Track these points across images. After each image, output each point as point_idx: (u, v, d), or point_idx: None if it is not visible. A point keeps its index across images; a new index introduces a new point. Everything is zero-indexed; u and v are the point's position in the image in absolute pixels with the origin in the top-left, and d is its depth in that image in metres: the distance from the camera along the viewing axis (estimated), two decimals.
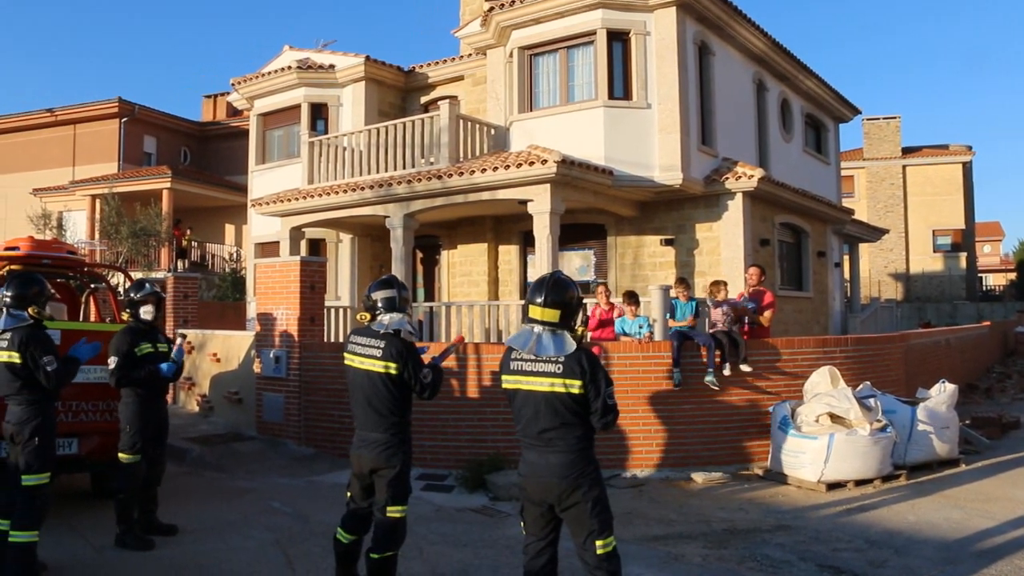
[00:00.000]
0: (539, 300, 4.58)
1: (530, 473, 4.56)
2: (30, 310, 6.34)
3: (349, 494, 5.83)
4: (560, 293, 4.58)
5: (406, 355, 5.59)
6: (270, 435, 11.58)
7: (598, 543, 4.45)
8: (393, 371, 5.55)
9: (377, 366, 5.58)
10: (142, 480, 7.42)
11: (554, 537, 4.68)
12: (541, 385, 4.49)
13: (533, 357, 4.53)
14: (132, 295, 7.66)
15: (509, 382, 4.67)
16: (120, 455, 7.33)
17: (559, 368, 4.46)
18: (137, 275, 18.66)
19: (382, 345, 5.59)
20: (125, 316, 7.73)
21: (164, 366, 7.59)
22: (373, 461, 5.55)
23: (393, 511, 5.53)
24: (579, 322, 4.67)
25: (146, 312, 7.64)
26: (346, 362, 5.79)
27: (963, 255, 42.84)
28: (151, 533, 7.34)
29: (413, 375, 5.60)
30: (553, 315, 4.55)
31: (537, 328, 4.58)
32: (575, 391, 4.44)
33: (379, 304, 5.72)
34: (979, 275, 53.88)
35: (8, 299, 6.36)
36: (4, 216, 33.68)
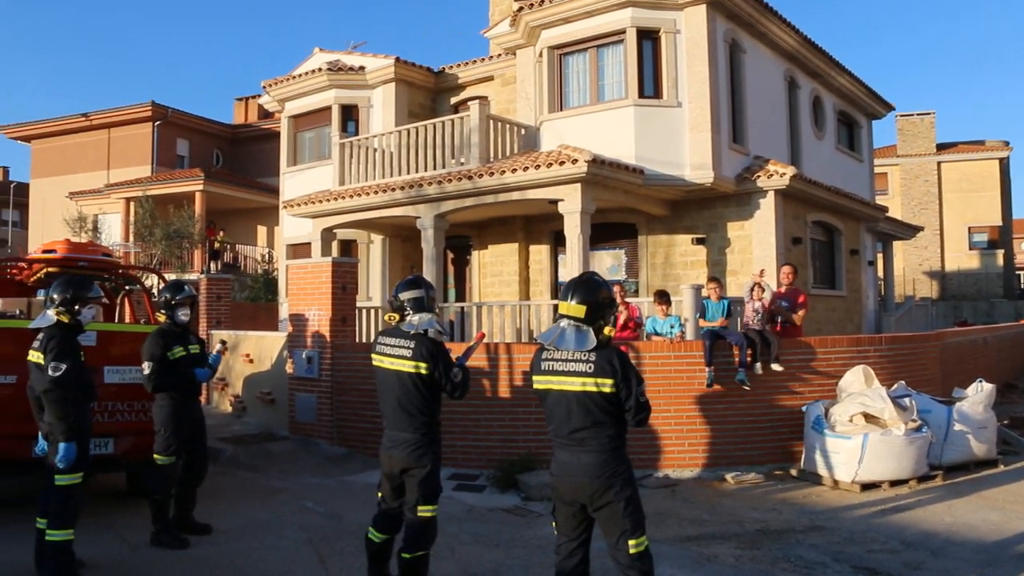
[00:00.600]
0: (568, 297, 4.65)
1: (562, 473, 4.57)
2: (54, 311, 6.37)
3: (380, 494, 5.85)
4: (589, 291, 4.64)
5: (436, 354, 5.61)
6: (303, 435, 11.65)
7: (631, 542, 4.45)
8: (424, 371, 5.55)
9: (407, 366, 5.58)
10: (177, 481, 7.48)
11: (586, 537, 4.68)
12: (573, 385, 4.51)
13: (564, 357, 4.56)
14: (169, 296, 7.64)
15: (540, 382, 4.68)
16: (155, 456, 7.38)
17: (590, 368, 4.48)
18: (171, 277, 18.83)
19: (412, 345, 5.60)
20: (160, 317, 7.73)
21: (200, 372, 7.65)
22: (404, 461, 5.56)
23: (424, 511, 5.54)
24: (608, 323, 4.68)
25: (184, 314, 7.67)
26: (374, 363, 5.81)
27: (1000, 252, 42.21)
28: (186, 532, 7.40)
29: (444, 374, 5.60)
30: (579, 311, 4.59)
31: (563, 323, 4.64)
32: (607, 390, 4.46)
33: (407, 304, 5.74)
34: (1017, 272, 53.03)
35: (51, 299, 6.43)
36: (42, 219, 34.18)
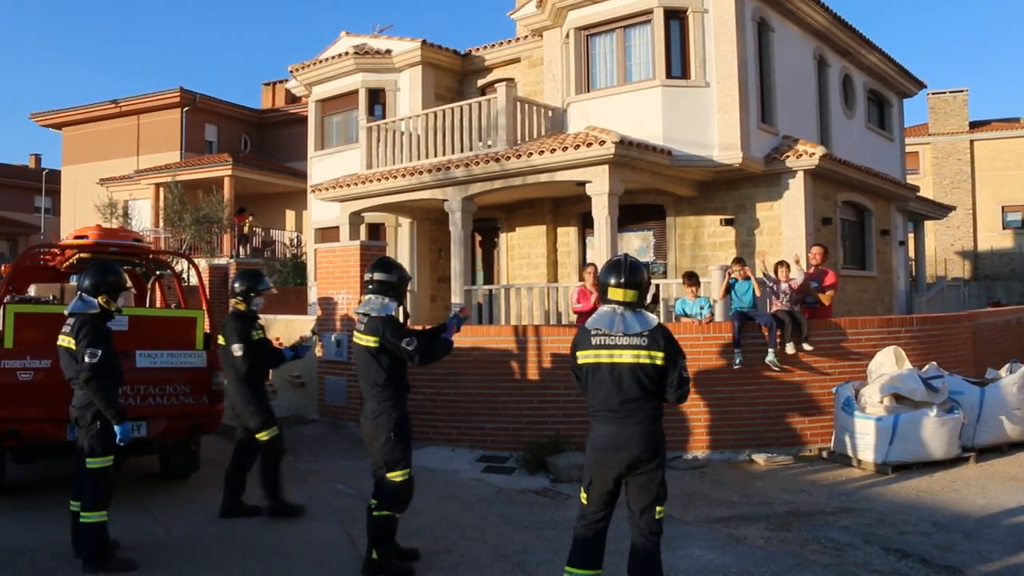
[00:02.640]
0: (619, 282, 4.82)
1: (610, 446, 4.74)
2: (100, 299, 6.47)
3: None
4: (636, 274, 4.85)
5: (381, 327, 6.05)
6: (332, 418, 11.74)
7: (658, 508, 4.77)
8: (373, 344, 6.05)
9: (364, 340, 6.12)
10: (282, 451, 7.78)
11: (611, 509, 4.89)
12: (625, 357, 4.72)
13: (617, 333, 4.74)
14: (249, 285, 7.81)
15: (588, 356, 4.84)
16: (258, 436, 7.60)
17: (644, 340, 4.71)
18: (201, 262, 18.98)
19: (365, 322, 6.15)
20: (238, 304, 7.81)
21: (288, 352, 7.95)
22: (365, 428, 6.17)
23: (392, 476, 5.99)
24: (649, 300, 4.96)
25: (257, 305, 7.87)
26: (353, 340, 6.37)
27: None
28: (234, 515, 7.56)
29: (395, 345, 6.01)
30: (633, 295, 4.81)
31: (619, 308, 4.81)
32: (659, 362, 4.70)
33: (373, 284, 6.26)
34: None
35: (84, 285, 6.51)
36: (73, 206, 34.51)
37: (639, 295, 4.83)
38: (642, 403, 4.71)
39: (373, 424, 6.06)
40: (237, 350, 7.49)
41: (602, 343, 4.77)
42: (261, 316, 8.05)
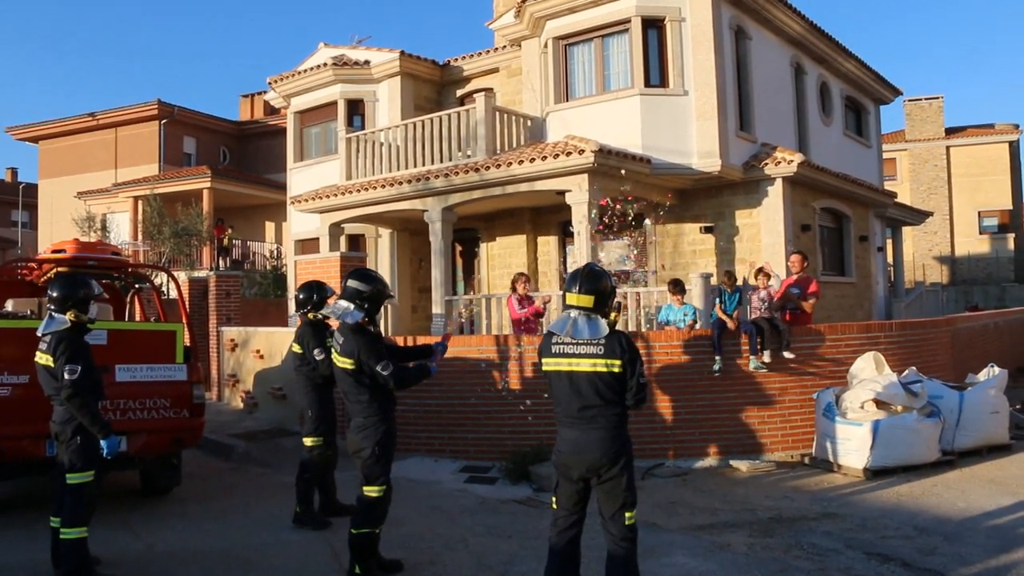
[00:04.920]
0: (575, 288, 4.90)
1: (572, 450, 4.82)
2: (69, 315, 6.34)
3: None
4: (594, 281, 4.91)
5: (356, 349, 5.96)
6: None
7: (627, 514, 4.79)
8: (350, 366, 6.01)
9: (341, 363, 6.08)
10: (322, 464, 7.97)
11: (582, 514, 4.95)
12: (583, 365, 4.79)
13: (573, 340, 4.81)
14: (317, 295, 8.22)
15: (550, 364, 4.93)
16: (304, 440, 7.96)
17: (601, 349, 4.77)
18: (181, 275, 18.89)
19: (341, 341, 6.05)
20: (311, 316, 8.23)
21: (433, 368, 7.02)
22: (351, 442, 6.08)
23: (369, 491, 5.95)
24: (612, 308, 4.97)
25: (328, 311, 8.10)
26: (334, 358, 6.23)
27: (1011, 236, 41.99)
28: (335, 514, 7.84)
29: (369, 368, 5.95)
30: (588, 300, 4.87)
31: (573, 313, 4.90)
32: (616, 370, 4.75)
33: (347, 290, 6.14)
34: None
35: (52, 301, 6.43)
36: (51, 220, 34.28)
37: (596, 302, 4.86)
38: (602, 409, 4.76)
39: (359, 437, 6.01)
40: (319, 354, 7.84)
41: (561, 351, 4.86)
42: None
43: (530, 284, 13.02)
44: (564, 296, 5.02)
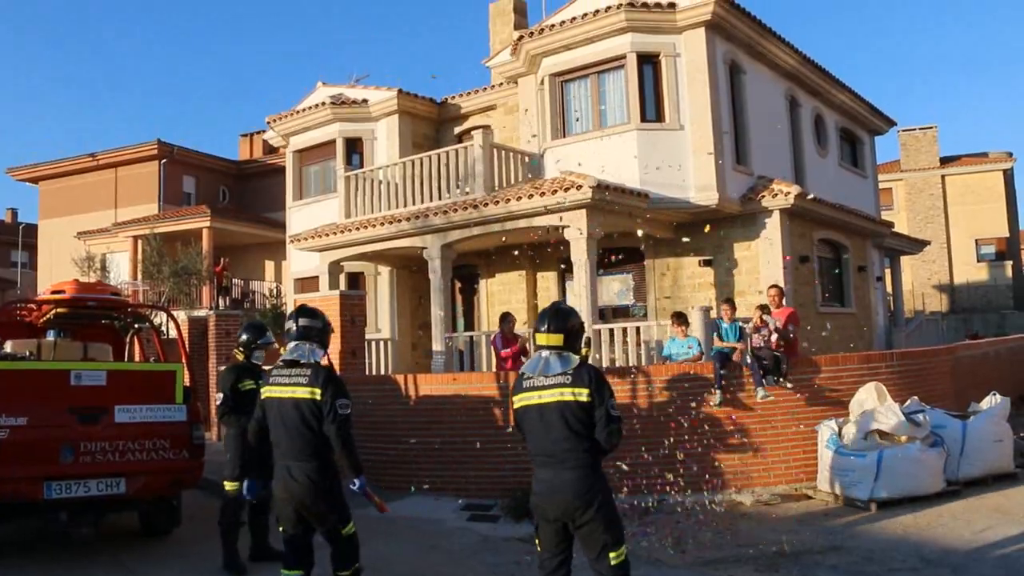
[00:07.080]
0: (544, 328, 4.93)
1: (545, 492, 4.77)
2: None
3: (281, 528, 5.70)
4: (561, 320, 4.93)
5: (324, 381, 5.55)
6: None
7: (611, 555, 4.64)
8: (314, 397, 5.50)
9: (297, 393, 5.56)
10: (241, 507, 7.70)
11: (568, 554, 4.86)
12: (551, 396, 4.75)
13: (544, 375, 4.81)
14: (251, 338, 8.14)
15: (520, 400, 4.92)
16: (223, 483, 7.80)
17: (568, 379, 4.75)
18: (179, 314, 18.86)
19: (307, 374, 5.61)
20: (238, 354, 8.20)
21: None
22: (293, 493, 5.50)
23: (347, 530, 5.64)
24: (583, 345, 4.95)
25: (258, 358, 8.15)
26: (268, 395, 5.73)
27: (1009, 263, 42.05)
28: (263, 559, 7.73)
29: (331, 404, 5.49)
30: (557, 339, 4.89)
31: (544, 352, 4.92)
32: (583, 399, 4.68)
33: (294, 331, 5.82)
34: None
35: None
36: (50, 260, 34.31)
37: (565, 340, 4.87)
38: (574, 444, 4.65)
39: (307, 488, 5.47)
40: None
41: (531, 386, 4.85)
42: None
43: (516, 323, 13.09)
44: (534, 336, 5.04)
